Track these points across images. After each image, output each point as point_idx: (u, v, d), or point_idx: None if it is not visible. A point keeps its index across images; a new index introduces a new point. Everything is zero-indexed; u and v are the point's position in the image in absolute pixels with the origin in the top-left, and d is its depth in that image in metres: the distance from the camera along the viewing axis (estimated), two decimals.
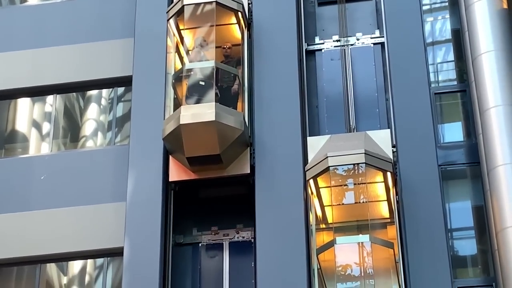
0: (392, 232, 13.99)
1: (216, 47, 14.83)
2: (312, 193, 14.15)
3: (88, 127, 17.79)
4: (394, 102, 14.96)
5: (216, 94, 14.16)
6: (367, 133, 14.57)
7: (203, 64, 14.32)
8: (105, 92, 17.70)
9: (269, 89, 14.71)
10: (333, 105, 15.97)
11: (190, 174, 14.32)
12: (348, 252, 13.79)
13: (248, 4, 15.25)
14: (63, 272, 16.43)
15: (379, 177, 14.08)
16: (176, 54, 15.38)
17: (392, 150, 14.40)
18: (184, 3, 14.49)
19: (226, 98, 14.57)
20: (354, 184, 14.48)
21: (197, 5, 14.62)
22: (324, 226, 14.70)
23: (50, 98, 17.51)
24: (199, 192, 15.27)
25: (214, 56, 14.20)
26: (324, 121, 15.92)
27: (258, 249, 13.84)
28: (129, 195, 14.79)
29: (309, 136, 15.14)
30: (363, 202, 14.24)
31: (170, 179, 14.46)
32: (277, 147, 14.38)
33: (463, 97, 15.83)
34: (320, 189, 14.28)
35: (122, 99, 17.43)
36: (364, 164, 13.58)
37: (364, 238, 13.57)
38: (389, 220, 14.33)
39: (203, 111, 13.62)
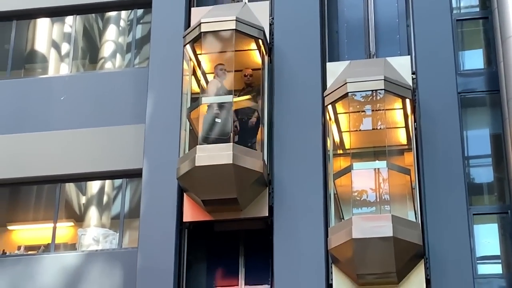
0: (409, 159, 14.04)
1: (236, 71, 14.27)
2: (330, 118, 14.19)
3: (107, 49, 17.84)
4: (415, 28, 14.80)
5: (234, 131, 13.70)
6: (386, 60, 14.46)
7: (221, 99, 13.86)
8: (124, 13, 17.64)
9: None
10: (353, 30, 15.87)
11: (205, 215, 13.74)
12: (365, 178, 13.95)
13: (270, 24, 14.75)
14: (82, 192, 16.73)
15: (398, 103, 14.10)
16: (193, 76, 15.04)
17: (412, 76, 14.33)
18: (202, 30, 13.94)
19: (245, 131, 14.17)
20: (373, 110, 14.58)
21: (216, 32, 14.11)
22: (341, 152, 14.80)
23: (69, 19, 17.48)
24: None
25: (232, 88, 13.87)
26: (344, 47, 15.82)
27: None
28: (148, 117, 14.89)
29: (329, 61, 15.05)
30: (381, 128, 14.31)
31: (184, 220, 13.93)
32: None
33: (485, 24, 15.65)
34: (338, 115, 14.31)
35: (141, 21, 17.36)
36: (383, 91, 13.54)
37: (381, 164, 13.71)
38: (406, 147, 14.39)
39: (220, 153, 13.06)
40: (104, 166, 15.63)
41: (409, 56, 14.86)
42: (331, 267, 13.25)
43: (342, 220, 13.74)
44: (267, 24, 14.64)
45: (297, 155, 13.93)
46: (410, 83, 14.11)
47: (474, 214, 13.88)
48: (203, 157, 12.92)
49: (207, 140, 13.46)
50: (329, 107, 14.05)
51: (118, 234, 15.58)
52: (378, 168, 14.00)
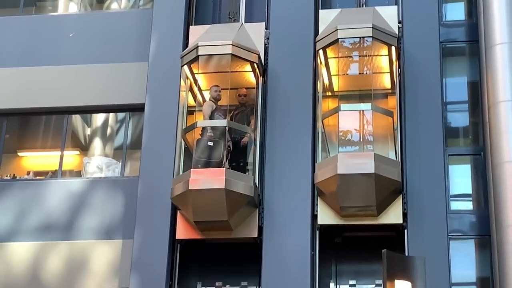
0: (392, 102, 14.48)
1: (231, 89, 14.15)
2: (321, 62, 14.46)
3: None
4: None
5: (227, 150, 13.60)
6: (375, 9, 14.74)
7: (216, 123, 13.65)
8: None
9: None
10: None
11: (197, 234, 13.58)
12: (351, 119, 14.27)
13: (265, 44, 14.68)
14: (88, 123, 17.13)
15: (384, 50, 14.42)
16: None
17: (398, 26, 14.62)
18: (199, 53, 13.69)
19: (237, 150, 14.04)
20: (360, 56, 14.97)
21: (212, 55, 14.01)
22: (330, 94, 15.15)
23: None
24: None
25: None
26: None
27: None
28: (151, 56, 15.15)
29: (321, 9, 15.20)
30: (367, 73, 14.79)
31: (177, 237, 13.75)
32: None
33: None
34: (329, 60, 14.57)
35: None
36: (371, 38, 13.87)
37: (366, 106, 14.13)
38: (390, 91, 14.83)
39: (213, 177, 12.90)
40: (109, 100, 15.92)
41: (396, 6, 15.02)
42: (317, 199, 13.64)
43: (328, 157, 14.10)
44: (262, 44, 14.61)
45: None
46: (396, 31, 14.34)
47: (449, 155, 14.30)
48: (196, 181, 12.81)
49: (201, 163, 13.46)
50: (320, 52, 14.27)
51: (120, 163, 15.98)
52: (363, 110, 14.27)
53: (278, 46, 14.57)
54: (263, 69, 14.27)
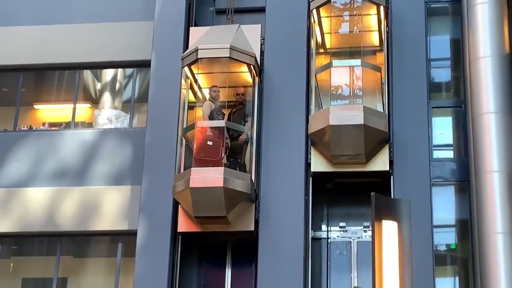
0: (380, 59, 14.39)
1: (229, 87, 14.01)
2: (314, 21, 14.32)
3: None
4: None
5: (226, 146, 13.33)
6: None
7: (215, 123, 13.44)
8: None
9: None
10: None
11: (197, 227, 13.50)
12: (342, 74, 14.27)
13: (261, 44, 14.32)
14: (98, 78, 17.11)
15: (373, 10, 14.29)
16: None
17: None
18: (199, 56, 13.44)
19: (235, 147, 13.79)
20: (351, 15, 14.94)
21: (212, 58, 13.71)
22: (322, 51, 14.97)
23: None
24: None
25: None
26: None
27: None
28: (156, 15, 15.00)
29: None
30: (357, 31, 14.76)
31: (179, 230, 13.59)
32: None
33: None
34: (322, 19, 14.45)
35: None
36: None
37: (356, 62, 14.12)
38: (378, 48, 14.71)
39: (212, 176, 12.71)
40: (117, 57, 15.93)
41: None
42: (310, 149, 13.69)
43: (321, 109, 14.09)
44: (258, 44, 14.32)
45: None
46: None
47: (433, 107, 14.37)
48: (197, 179, 12.69)
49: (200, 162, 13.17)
50: (314, 11, 14.12)
51: (128, 115, 16.01)
52: (353, 66, 14.24)
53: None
54: (259, 69, 14.05)
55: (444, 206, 14.49)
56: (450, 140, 15.12)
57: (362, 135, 12.84)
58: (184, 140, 13.84)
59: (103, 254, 15.89)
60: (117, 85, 17.01)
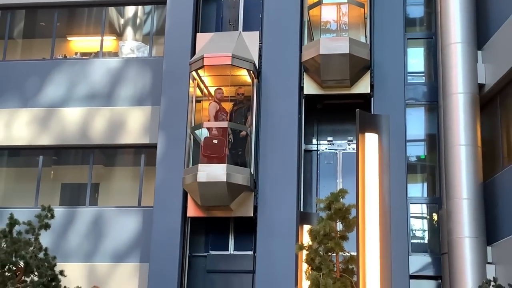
0: None
1: (231, 86, 13.79)
2: None
3: None
4: None
5: (228, 141, 13.28)
6: None
7: (219, 124, 13.28)
8: None
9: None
10: None
11: (204, 213, 13.41)
12: (331, 11, 14.25)
13: (259, 48, 13.91)
14: (121, 15, 16.96)
15: None
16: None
17: None
18: (205, 63, 13.13)
19: (237, 141, 13.63)
20: None
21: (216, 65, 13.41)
22: None
23: None
24: None
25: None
26: None
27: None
28: None
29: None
30: None
31: (188, 215, 13.51)
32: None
33: None
34: None
35: None
36: None
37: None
38: None
39: (216, 172, 12.64)
40: None
41: None
42: (303, 75, 13.75)
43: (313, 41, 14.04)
44: (257, 49, 13.96)
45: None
46: None
47: (408, 39, 14.48)
48: (203, 174, 12.58)
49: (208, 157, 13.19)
50: None
51: (148, 46, 16.01)
52: (340, 4, 14.08)
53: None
54: (257, 72, 13.76)
55: (416, 123, 14.77)
56: (422, 67, 15.37)
57: (348, 63, 12.92)
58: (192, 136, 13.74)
59: (129, 163, 16.15)
60: (138, 21, 16.92)
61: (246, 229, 13.92)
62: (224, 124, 13.22)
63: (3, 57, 16.47)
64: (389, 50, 13.70)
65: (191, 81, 13.81)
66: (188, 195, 13.45)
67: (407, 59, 14.42)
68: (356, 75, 13.40)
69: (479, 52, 13.59)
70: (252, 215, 13.38)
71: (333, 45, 13.10)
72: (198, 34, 14.39)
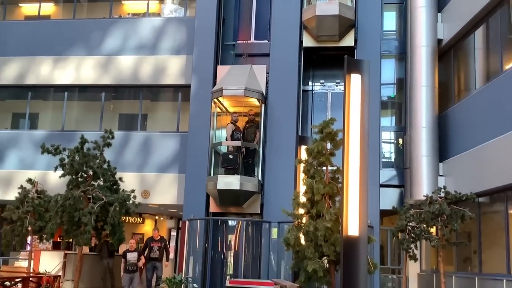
0: None
1: (244, 113, 13.79)
2: None
3: None
4: None
5: (242, 153, 13.17)
6: None
7: (234, 143, 13.08)
8: None
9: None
10: None
11: (222, 210, 13.39)
12: None
13: (266, 78, 13.70)
14: None
15: None
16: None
17: None
18: (224, 94, 13.12)
19: (248, 154, 13.48)
20: None
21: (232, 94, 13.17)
22: None
23: None
24: None
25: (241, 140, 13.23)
26: None
27: None
28: None
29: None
30: None
31: (210, 210, 13.46)
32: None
33: None
34: None
35: None
36: None
37: None
38: None
39: (233, 181, 12.57)
40: None
41: None
42: (303, 31, 13.87)
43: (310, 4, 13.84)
44: (264, 80, 13.68)
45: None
46: None
47: (384, 3, 14.63)
48: (222, 183, 12.56)
49: (225, 169, 13.13)
50: None
51: (183, 8, 16.15)
52: None
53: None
54: (264, 98, 13.53)
55: (388, 69, 15.01)
56: (394, 27, 15.49)
57: (337, 22, 13.04)
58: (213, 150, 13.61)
59: (169, 99, 16.37)
60: None
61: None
62: (238, 143, 13.07)
63: (73, 16, 16.69)
64: (370, 12, 13.70)
65: (212, 104, 13.63)
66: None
67: (383, 20, 14.38)
68: (343, 31, 13.45)
69: (439, 14, 13.67)
70: (259, 212, 13.30)
71: (326, 7, 13.10)
72: (218, 67, 14.12)
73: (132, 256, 12.25)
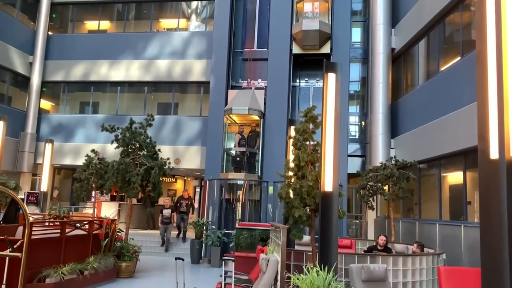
0: None
1: (247, 125, 13.48)
2: None
3: None
4: None
5: (246, 155, 12.83)
6: None
7: (240, 149, 12.75)
8: None
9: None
10: None
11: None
12: (309, 5, 13.67)
13: (264, 98, 13.29)
14: (189, 7, 16.45)
15: None
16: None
17: None
18: (233, 112, 12.88)
19: (251, 156, 13.07)
20: None
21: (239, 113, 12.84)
22: None
23: None
24: None
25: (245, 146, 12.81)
26: None
27: None
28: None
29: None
30: None
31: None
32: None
33: None
34: None
35: None
36: None
37: None
38: None
39: (239, 176, 12.39)
40: None
41: None
42: (292, 41, 13.46)
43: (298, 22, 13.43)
44: (263, 100, 13.39)
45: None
46: None
47: (353, 21, 14.24)
48: (231, 177, 12.42)
49: (234, 168, 12.81)
50: None
51: (204, 25, 15.71)
52: (314, 0, 13.56)
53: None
54: (263, 114, 13.25)
55: (355, 70, 14.81)
56: (359, 38, 15.16)
57: (318, 35, 12.82)
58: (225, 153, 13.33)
59: (194, 92, 16.05)
60: (198, 10, 16.49)
61: None
62: (243, 149, 12.85)
63: (123, 30, 16.53)
64: (341, 27, 13.40)
65: (224, 119, 13.33)
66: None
67: (352, 33, 14.14)
68: (322, 42, 13.23)
69: (393, 30, 13.45)
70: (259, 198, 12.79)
71: (309, 24, 12.86)
72: (229, 91, 13.72)
73: (166, 212, 12.61)
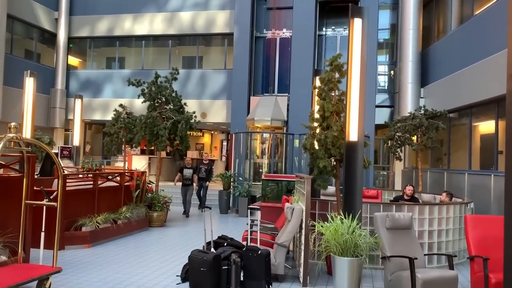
0: None
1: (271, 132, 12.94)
2: None
3: None
4: None
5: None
6: None
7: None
8: None
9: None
10: None
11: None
12: None
13: (287, 105, 13.01)
14: None
15: None
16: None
17: None
18: (255, 124, 12.65)
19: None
20: None
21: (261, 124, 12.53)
22: None
23: None
24: None
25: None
26: None
27: None
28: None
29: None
30: None
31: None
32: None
33: None
34: None
35: None
36: None
37: None
38: None
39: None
40: None
41: None
42: None
43: None
44: (285, 107, 13.08)
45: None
46: None
47: None
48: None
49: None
50: None
51: None
52: None
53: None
54: (285, 122, 12.92)
55: (384, 17, 14.23)
56: None
57: None
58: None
59: (218, 44, 15.91)
60: None
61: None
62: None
63: None
64: None
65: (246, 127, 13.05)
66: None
67: None
68: None
69: None
70: None
71: None
72: (251, 97, 13.51)
73: (187, 172, 11.14)
